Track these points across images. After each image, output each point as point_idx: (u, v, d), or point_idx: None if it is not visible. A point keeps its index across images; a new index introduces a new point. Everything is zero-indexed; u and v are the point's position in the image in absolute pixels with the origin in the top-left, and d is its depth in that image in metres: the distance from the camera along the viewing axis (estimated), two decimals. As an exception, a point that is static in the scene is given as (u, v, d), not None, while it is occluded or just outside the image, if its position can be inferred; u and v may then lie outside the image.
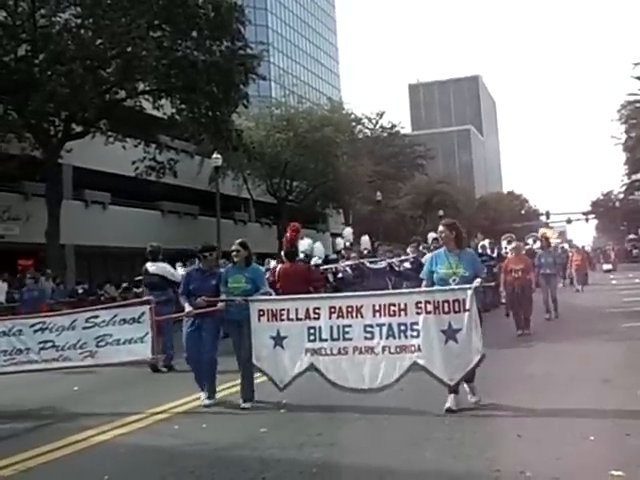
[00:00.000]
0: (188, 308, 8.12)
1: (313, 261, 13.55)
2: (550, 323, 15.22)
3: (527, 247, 19.33)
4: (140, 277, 13.01)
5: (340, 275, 14.67)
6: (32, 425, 7.73)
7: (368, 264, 14.60)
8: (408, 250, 15.74)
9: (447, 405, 6.85)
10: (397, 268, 14.67)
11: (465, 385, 7.12)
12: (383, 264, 14.62)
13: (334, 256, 17.29)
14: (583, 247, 36.08)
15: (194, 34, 25.03)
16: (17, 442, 6.85)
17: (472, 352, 6.81)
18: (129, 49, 23.33)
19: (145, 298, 9.41)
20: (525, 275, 13.75)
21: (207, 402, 7.96)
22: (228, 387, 8.56)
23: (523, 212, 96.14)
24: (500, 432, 6.27)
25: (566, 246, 35.74)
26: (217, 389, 8.22)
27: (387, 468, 5.41)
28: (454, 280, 7.11)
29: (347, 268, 14.63)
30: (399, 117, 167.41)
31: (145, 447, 6.50)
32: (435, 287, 7.25)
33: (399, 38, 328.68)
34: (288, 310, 7.49)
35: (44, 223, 24.23)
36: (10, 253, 26.55)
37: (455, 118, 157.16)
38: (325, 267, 14.57)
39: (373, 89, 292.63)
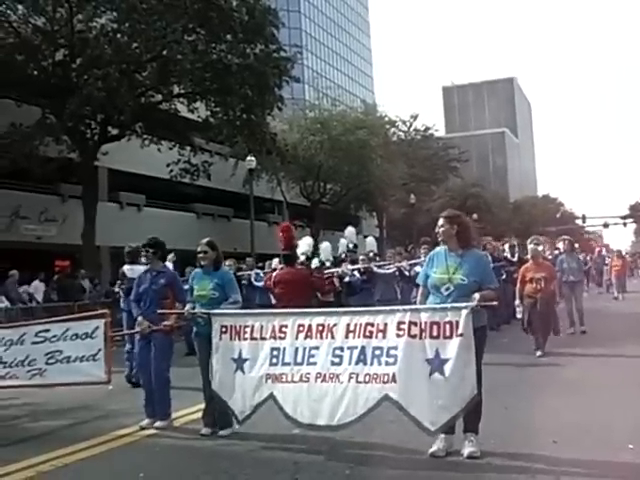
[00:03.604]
0: (140, 326, 7.36)
1: (313, 264, 12.28)
2: (585, 329, 14.26)
3: (556, 251, 18.37)
4: (118, 282, 11.81)
5: (347, 279, 13.16)
6: (68, 423, 7.85)
7: (375, 268, 13.15)
8: (421, 252, 13.79)
9: (432, 449, 5.63)
10: (407, 273, 12.91)
11: (463, 434, 5.71)
12: (391, 269, 13.17)
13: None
14: (621, 252, 35.27)
15: (228, 37, 25.13)
16: (54, 439, 6.96)
17: (463, 390, 5.39)
18: (164, 53, 23.53)
19: (102, 311, 8.53)
20: (549, 285, 11.69)
21: (159, 424, 7.15)
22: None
23: (558, 216, 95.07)
24: (535, 436, 6.20)
25: (604, 251, 34.98)
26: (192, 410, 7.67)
27: (419, 471, 5.40)
28: (447, 289, 5.76)
29: (355, 272, 13.20)
30: (433, 120, 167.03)
31: (179, 446, 6.55)
32: (427, 304, 5.91)
33: (433, 40, 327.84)
34: (252, 327, 6.34)
35: (80, 224, 24.52)
36: (47, 254, 26.94)
37: (489, 121, 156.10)
38: (331, 271, 13.27)
39: (407, 92, 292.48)
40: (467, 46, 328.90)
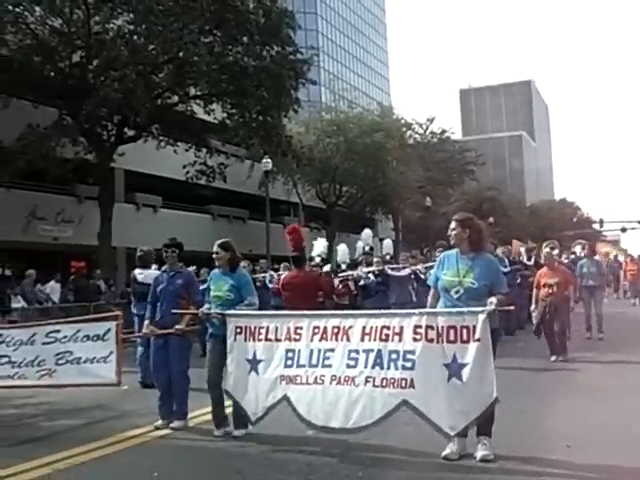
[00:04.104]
0: (147, 329, 7.47)
1: (324, 269, 12.35)
2: (603, 337, 13.96)
3: (572, 256, 18.27)
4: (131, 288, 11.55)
5: (362, 283, 13.17)
6: (83, 422, 7.89)
7: (390, 271, 13.07)
8: (436, 255, 14.08)
9: (445, 452, 5.62)
10: (422, 276, 12.73)
11: (476, 437, 5.69)
12: (406, 271, 13.08)
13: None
14: (639, 256, 34.78)
15: (245, 39, 25.14)
16: (70, 438, 7.00)
17: (482, 395, 5.36)
18: (181, 54, 23.59)
19: (114, 313, 8.42)
20: (561, 290, 11.41)
21: (176, 424, 7.15)
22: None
23: (575, 220, 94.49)
24: (548, 440, 6.17)
25: (620, 256, 34.61)
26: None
27: (431, 473, 5.39)
28: (457, 292, 5.78)
29: (370, 275, 13.12)
30: (450, 122, 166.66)
31: (193, 447, 6.58)
32: (440, 308, 5.88)
33: (450, 43, 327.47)
34: (267, 328, 6.33)
35: (96, 225, 24.65)
36: (63, 255, 27.14)
37: (506, 123, 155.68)
38: (346, 274, 13.40)
39: (424, 94, 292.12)
40: (484, 49, 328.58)
